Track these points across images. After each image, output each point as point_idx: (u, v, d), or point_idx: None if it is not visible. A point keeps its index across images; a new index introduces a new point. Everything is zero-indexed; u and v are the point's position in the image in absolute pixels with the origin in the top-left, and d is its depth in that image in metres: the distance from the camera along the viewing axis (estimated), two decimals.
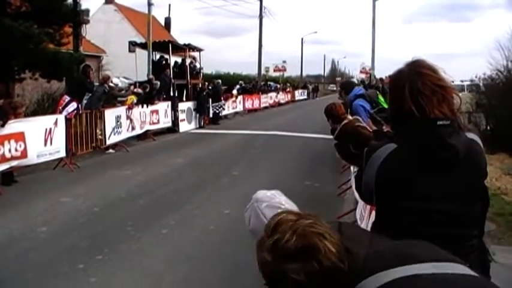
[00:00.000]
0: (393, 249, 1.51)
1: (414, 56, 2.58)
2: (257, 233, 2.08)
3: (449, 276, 1.34)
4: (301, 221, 1.46)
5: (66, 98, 14.12)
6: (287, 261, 1.41)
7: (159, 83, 19.89)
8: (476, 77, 20.62)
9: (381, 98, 8.69)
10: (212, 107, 24.59)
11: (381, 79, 22.41)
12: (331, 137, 4.92)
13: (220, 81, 27.33)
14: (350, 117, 6.57)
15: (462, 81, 26.72)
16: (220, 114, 25.59)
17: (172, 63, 24.51)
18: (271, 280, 1.50)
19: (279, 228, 1.47)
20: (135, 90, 18.22)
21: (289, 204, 2.13)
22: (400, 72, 2.51)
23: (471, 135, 2.48)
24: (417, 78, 2.39)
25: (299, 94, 54.90)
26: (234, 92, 30.88)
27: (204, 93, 23.81)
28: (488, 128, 17.00)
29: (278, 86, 48.06)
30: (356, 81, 19.52)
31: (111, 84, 16.35)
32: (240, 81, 37.76)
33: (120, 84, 18.90)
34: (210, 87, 25.29)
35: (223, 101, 26.50)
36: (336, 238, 1.45)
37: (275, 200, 2.11)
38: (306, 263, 1.38)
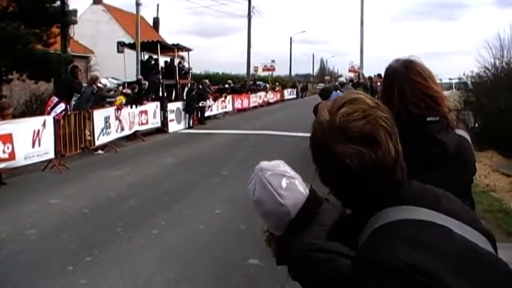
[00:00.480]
0: (439, 193, 1.45)
1: (411, 55, 2.58)
2: (262, 203, 2.07)
3: (475, 247, 1.30)
4: (377, 110, 1.36)
5: (55, 99, 14.06)
6: (344, 140, 1.31)
7: (147, 83, 19.84)
8: (464, 74, 20.72)
9: None
10: (196, 107, 24.43)
11: (370, 78, 22.43)
12: None
13: (207, 81, 27.23)
14: None
15: (450, 79, 26.84)
16: (204, 114, 25.46)
17: (161, 64, 24.44)
18: (317, 154, 1.42)
19: (352, 105, 1.36)
20: (124, 90, 18.17)
21: (293, 173, 2.13)
22: (394, 72, 2.52)
23: (460, 132, 2.51)
24: (407, 85, 2.41)
25: (288, 93, 54.90)
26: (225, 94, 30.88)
27: (193, 93, 23.76)
28: (477, 125, 17.10)
29: (267, 85, 47.98)
30: (345, 80, 19.53)
31: (99, 85, 16.28)
32: (229, 80, 37.68)
33: (108, 85, 18.84)
34: (200, 87, 25.27)
35: (210, 101, 26.47)
36: (399, 148, 1.37)
37: (280, 169, 2.10)
38: (364, 150, 1.30)
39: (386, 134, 1.33)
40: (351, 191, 1.39)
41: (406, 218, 1.30)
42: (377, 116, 1.34)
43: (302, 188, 2.07)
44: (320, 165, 1.43)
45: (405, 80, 2.42)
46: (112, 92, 18.83)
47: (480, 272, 1.23)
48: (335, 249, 1.84)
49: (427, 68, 2.53)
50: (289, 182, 2.05)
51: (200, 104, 24.47)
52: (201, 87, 25.20)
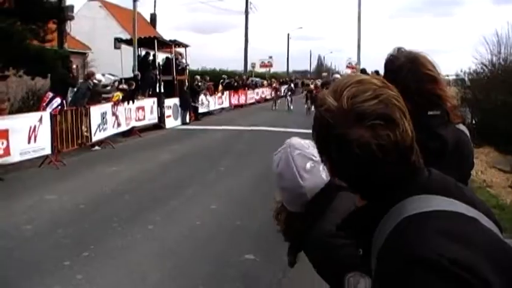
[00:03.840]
0: (456, 181, 1.38)
1: (419, 52, 2.53)
2: (283, 178, 2.06)
3: (500, 239, 1.24)
4: (387, 89, 1.25)
5: (50, 95, 14.03)
6: (357, 124, 1.19)
7: (140, 75, 19.87)
8: (461, 71, 20.74)
9: None
10: (190, 103, 24.39)
11: (363, 70, 22.18)
12: None
13: (198, 77, 27.18)
14: None
15: (447, 75, 26.79)
16: (198, 110, 25.45)
17: (159, 60, 24.42)
18: (327, 144, 1.27)
19: (360, 86, 1.24)
20: (120, 86, 18.14)
21: (319, 157, 2.12)
22: (399, 69, 2.44)
23: (460, 127, 2.51)
24: (414, 84, 2.36)
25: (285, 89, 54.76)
26: (220, 87, 30.88)
27: (185, 88, 23.72)
28: (474, 121, 17.12)
29: (264, 82, 47.67)
30: (339, 77, 19.38)
31: (94, 81, 16.23)
32: (224, 76, 37.59)
33: (103, 81, 18.76)
34: (200, 84, 25.31)
35: (207, 97, 26.49)
36: (412, 126, 1.27)
37: (309, 151, 2.08)
38: (382, 132, 1.19)
39: (401, 112, 1.24)
40: (370, 180, 1.27)
41: (438, 208, 1.22)
42: (389, 95, 1.24)
43: (324, 174, 2.06)
44: (331, 156, 1.29)
45: (412, 79, 2.36)
46: (109, 88, 18.78)
47: (509, 264, 1.17)
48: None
49: (434, 64, 2.49)
50: (313, 166, 2.05)
51: (192, 104, 24.39)
52: (200, 84, 25.24)
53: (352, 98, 1.22)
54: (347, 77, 1.32)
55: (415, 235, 1.17)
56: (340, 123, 1.21)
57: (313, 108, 21.63)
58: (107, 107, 16.26)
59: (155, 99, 20.90)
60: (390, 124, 1.20)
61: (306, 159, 2.05)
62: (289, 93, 35.55)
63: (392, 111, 1.22)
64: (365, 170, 1.24)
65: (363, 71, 20.47)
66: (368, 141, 1.19)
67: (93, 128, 15.05)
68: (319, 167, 2.06)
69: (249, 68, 51.30)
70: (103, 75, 22.39)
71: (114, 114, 16.52)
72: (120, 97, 16.84)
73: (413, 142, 1.27)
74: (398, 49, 2.55)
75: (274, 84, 45.66)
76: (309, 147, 2.11)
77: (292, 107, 32.54)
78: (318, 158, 2.08)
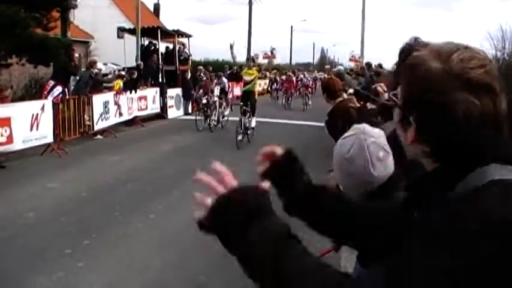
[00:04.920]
0: None
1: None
2: (353, 164, 2.05)
3: None
4: (488, 61, 1.26)
5: (51, 83, 14.06)
6: (461, 88, 1.20)
7: (142, 64, 19.87)
8: None
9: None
10: (193, 93, 24.35)
11: (368, 63, 21.43)
12: (318, 123, 4.95)
13: (201, 67, 27.11)
14: (345, 95, 6.61)
15: None
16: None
17: (162, 49, 24.35)
18: (420, 103, 1.25)
19: (468, 53, 1.24)
20: (120, 73, 18.14)
21: (389, 148, 2.11)
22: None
23: None
24: None
25: None
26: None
27: (188, 78, 23.69)
28: None
29: (266, 73, 47.35)
30: (343, 69, 19.23)
31: (96, 70, 16.21)
32: (225, 66, 37.47)
33: (104, 70, 18.72)
34: (202, 74, 25.27)
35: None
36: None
37: (381, 140, 2.08)
38: (484, 100, 1.19)
39: (500, 86, 1.24)
40: (460, 146, 1.24)
41: None
42: (492, 66, 1.25)
43: (391, 166, 2.07)
44: (422, 118, 1.26)
45: None
46: (110, 76, 18.75)
47: None
48: None
49: None
50: (385, 155, 2.05)
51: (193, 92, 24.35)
52: (202, 74, 25.19)
53: (462, 62, 1.22)
54: (449, 42, 1.32)
55: (500, 198, 1.15)
56: (446, 87, 1.22)
57: (254, 123, 16.32)
58: (109, 96, 16.26)
59: (158, 89, 20.88)
60: (493, 95, 1.22)
61: (379, 148, 2.04)
62: (220, 95, 19.62)
63: (495, 83, 1.23)
64: (460, 135, 1.23)
65: (368, 65, 20.28)
66: (473, 107, 1.19)
67: (96, 117, 15.06)
68: (389, 156, 2.07)
69: None
70: (105, 64, 22.38)
71: (116, 103, 16.52)
72: (121, 84, 16.82)
73: (504, 115, 1.26)
74: (415, 39, 2.51)
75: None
76: (381, 136, 2.11)
77: (223, 123, 19.01)
78: (388, 148, 2.08)
